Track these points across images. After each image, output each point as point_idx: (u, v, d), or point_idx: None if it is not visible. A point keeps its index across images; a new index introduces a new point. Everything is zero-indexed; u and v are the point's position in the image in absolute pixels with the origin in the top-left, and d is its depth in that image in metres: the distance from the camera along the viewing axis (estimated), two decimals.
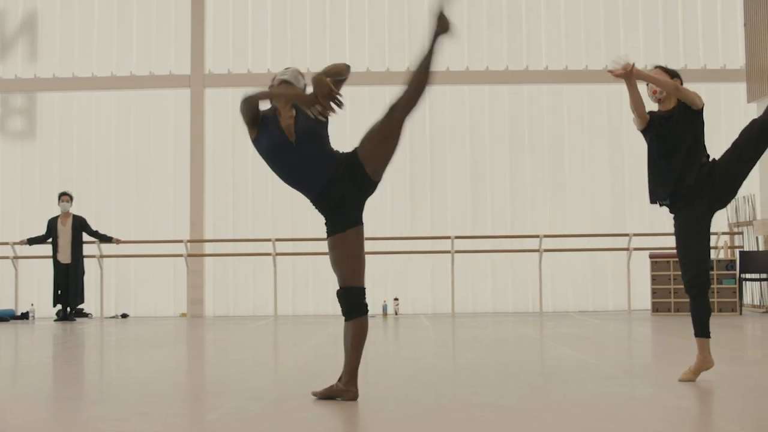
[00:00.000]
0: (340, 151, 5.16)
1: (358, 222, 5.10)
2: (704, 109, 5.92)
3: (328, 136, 5.20)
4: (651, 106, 6.05)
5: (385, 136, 5.04)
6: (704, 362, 5.73)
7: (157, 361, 7.79)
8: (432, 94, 16.83)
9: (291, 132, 5.09)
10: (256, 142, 5.18)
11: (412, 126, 16.30)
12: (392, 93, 17.42)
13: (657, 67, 6.03)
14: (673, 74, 5.97)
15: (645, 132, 5.94)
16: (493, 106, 15.89)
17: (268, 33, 15.95)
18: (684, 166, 5.71)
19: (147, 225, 15.72)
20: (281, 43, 15.92)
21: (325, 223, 5.13)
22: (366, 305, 5.08)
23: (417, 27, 15.89)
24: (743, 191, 14.47)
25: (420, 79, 4.98)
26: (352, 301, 5.04)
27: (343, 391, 5.05)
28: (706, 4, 15.88)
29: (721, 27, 15.89)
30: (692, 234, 5.72)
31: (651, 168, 5.90)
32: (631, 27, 15.89)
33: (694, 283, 5.69)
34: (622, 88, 16.81)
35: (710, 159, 5.82)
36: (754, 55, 15.13)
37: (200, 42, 15.86)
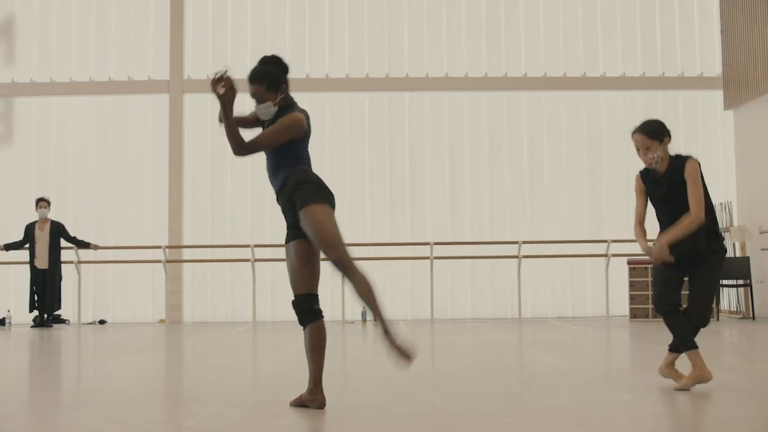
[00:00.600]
0: (308, 174, 5.09)
1: (304, 236, 5.07)
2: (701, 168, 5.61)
3: (289, 149, 5.10)
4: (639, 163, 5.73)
5: (314, 239, 4.97)
6: (701, 374, 5.52)
7: (134, 367, 7.75)
8: (411, 100, 16.84)
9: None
10: None
11: (392, 132, 16.38)
12: (371, 99, 17.30)
13: (639, 132, 5.58)
14: (658, 134, 5.57)
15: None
16: (472, 112, 15.93)
17: (248, 39, 15.93)
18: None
19: (125, 231, 15.65)
20: (260, 48, 15.85)
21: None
22: (317, 311, 5.05)
23: (396, 34, 15.93)
24: (720, 198, 14.57)
25: (361, 295, 4.92)
26: (299, 307, 5.05)
27: (310, 400, 5.03)
28: (684, 12, 15.99)
29: (699, 35, 16.01)
30: (671, 276, 5.65)
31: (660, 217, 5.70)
32: (610, 34, 15.98)
33: (663, 302, 5.62)
34: (600, 95, 16.86)
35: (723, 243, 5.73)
36: (731, 63, 15.26)
37: (179, 47, 15.83)
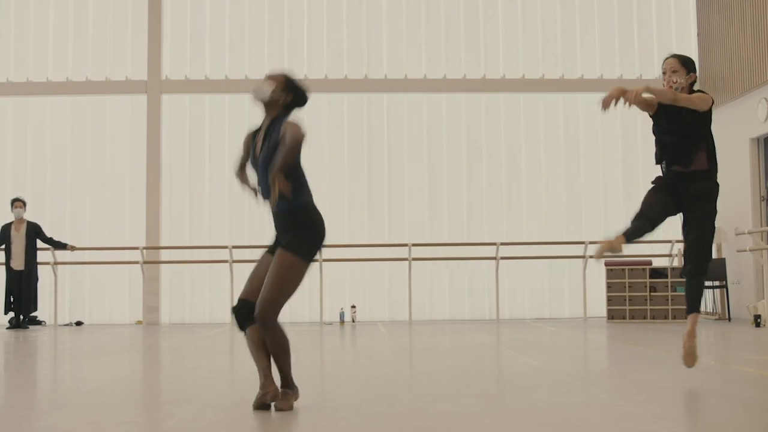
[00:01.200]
0: (311, 214, 5.09)
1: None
2: (712, 108, 5.92)
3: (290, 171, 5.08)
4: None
5: (266, 282, 5.06)
6: (686, 346, 5.95)
7: (111, 369, 7.71)
8: (390, 101, 16.82)
9: None
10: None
11: (370, 133, 16.36)
12: (350, 100, 17.24)
13: (673, 56, 5.98)
14: (688, 65, 5.93)
15: (653, 115, 6.00)
16: (451, 113, 15.95)
17: (226, 39, 15.88)
18: (695, 148, 5.87)
19: (102, 232, 15.56)
20: (239, 49, 15.86)
21: None
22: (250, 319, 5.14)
23: (375, 35, 15.93)
24: None
25: (271, 351, 5.10)
26: (239, 313, 5.18)
27: (263, 394, 5.01)
28: (661, 14, 16.09)
29: (675, 37, 16.10)
30: (707, 228, 5.99)
31: (661, 148, 6.00)
32: (588, 36, 16.05)
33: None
34: (578, 97, 16.85)
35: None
36: (707, 65, 15.35)
37: (157, 47, 15.75)
